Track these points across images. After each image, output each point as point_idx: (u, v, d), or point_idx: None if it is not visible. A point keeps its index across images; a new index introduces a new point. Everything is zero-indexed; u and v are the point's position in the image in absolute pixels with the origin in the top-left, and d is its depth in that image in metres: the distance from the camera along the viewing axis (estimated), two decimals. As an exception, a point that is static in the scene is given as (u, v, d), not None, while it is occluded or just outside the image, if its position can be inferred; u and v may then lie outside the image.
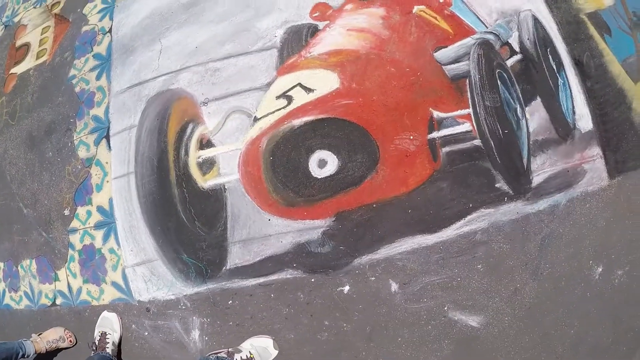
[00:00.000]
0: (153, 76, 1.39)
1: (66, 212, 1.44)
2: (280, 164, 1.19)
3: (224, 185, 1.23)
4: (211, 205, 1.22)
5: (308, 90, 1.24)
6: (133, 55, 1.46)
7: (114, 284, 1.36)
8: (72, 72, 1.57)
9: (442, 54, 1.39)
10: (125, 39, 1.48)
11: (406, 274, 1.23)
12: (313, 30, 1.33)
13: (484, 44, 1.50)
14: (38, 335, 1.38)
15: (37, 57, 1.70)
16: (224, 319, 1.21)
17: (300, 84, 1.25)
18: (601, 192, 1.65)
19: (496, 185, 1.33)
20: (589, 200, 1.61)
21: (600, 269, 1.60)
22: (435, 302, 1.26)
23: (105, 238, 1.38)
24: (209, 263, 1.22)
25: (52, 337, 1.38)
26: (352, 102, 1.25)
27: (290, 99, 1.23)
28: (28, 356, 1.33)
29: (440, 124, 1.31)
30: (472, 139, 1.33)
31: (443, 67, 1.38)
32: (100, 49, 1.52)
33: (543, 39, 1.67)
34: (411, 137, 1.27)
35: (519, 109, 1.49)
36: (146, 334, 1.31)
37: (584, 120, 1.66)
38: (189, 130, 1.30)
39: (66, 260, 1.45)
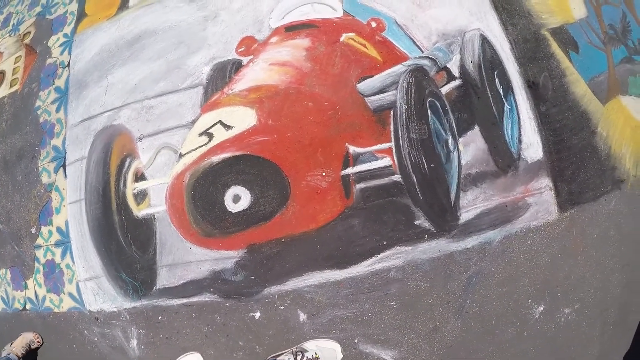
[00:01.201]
0: (100, 111, 1.50)
1: (33, 230, 1.63)
2: (200, 198, 1.25)
3: (154, 215, 1.33)
4: (144, 232, 1.33)
5: (227, 127, 1.28)
6: (86, 90, 1.56)
7: (70, 295, 1.53)
8: (38, 102, 1.73)
9: (365, 85, 1.34)
10: (79, 74, 1.59)
11: (314, 306, 1.23)
12: (237, 66, 1.33)
13: (417, 71, 1.43)
14: (10, 345, 1.55)
15: (11, 86, 1.89)
16: (156, 331, 1.34)
17: (220, 122, 1.29)
18: (548, 226, 1.54)
19: (415, 223, 1.27)
20: (531, 236, 1.51)
21: (542, 308, 1.49)
22: (345, 335, 1.26)
23: (63, 255, 1.55)
24: (143, 282, 1.34)
25: (23, 343, 1.57)
26: (267, 139, 1.27)
27: (211, 136, 1.28)
28: None
29: (356, 159, 1.28)
30: (391, 175, 1.28)
31: (366, 98, 1.37)
32: (60, 82, 1.64)
33: (490, 61, 1.56)
34: (323, 174, 1.26)
35: (450, 141, 1.41)
36: (95, 339, 1.47)
37: (533, 149, 1.54)
38: (126, 164, 1.41)
39: (33, 272, 1.65)
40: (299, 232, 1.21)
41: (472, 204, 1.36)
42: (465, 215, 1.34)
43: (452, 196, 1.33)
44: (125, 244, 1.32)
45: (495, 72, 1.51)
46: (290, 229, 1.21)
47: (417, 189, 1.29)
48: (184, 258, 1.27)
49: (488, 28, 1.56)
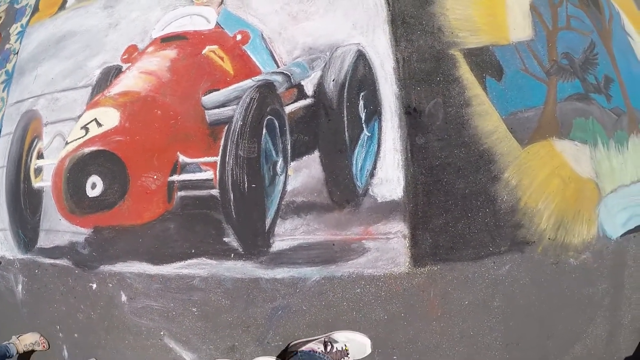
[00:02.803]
0: (27, 97, 1.81)
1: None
2: (72, 180, 1.45)
3: (44, 188, 1.62)
4: (36, 200, 1.62)
5: (99, 124, 1.50)
6: (23, 77, 1.88)
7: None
8: (-4, 82, 2.17)
9: (209, 98, 1.31)
10: (23, 62, 1.92)
11: (132, 291, 1.32)
12: (118, 71, 1.48)
13: (264, 87, 1.32)
14: (17, 338, 1.61)
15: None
16: (33, 281, 1.63)
17: (95, 119, 1.51)
18: (390, 279, 1.22)
19: (224, 239, 1.24)
20: (362, 285, 1.23)
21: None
22: (154, 325, 1.32)
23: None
24: (30, 240, 1.65)
25: (29, 340, 1.61)
26: (122, 139, 1.43)
27: (87, 131, 1.53)
28: (11, 357, 1.58)
29: (183, 168, 1.31)
30: (211, 188, 1.26)
31: (206, 112, 1.37)
32: (9, 66, 1.98)
33: (360, 81, 1.29)
34: (155, 177, 1.34)
35: (280, 163, 1.28)
36: (-1, 278, 1.84)
37: (389, 186, 1.23)
38: (34, 143, 1.70)
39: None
40: (127, 224, 1.37)
41: (289, 234, 1.25)
42: (279, 244, 1.25)
43: (268, 221, 1.25)
44: (23, 207, 1.67)
45: (363, 94, 1.30)
46: (122, 220, 1.38)
47: (232, 207, 1.27)
48: (55, 227, 1.54)
49: (372, 44, 1.33)
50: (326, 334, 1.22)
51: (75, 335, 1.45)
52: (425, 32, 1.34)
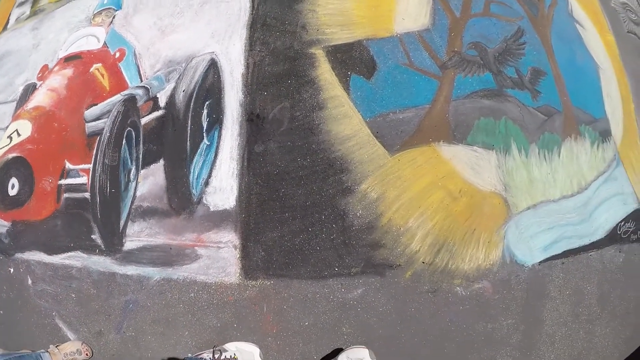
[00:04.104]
0: None
1: None
2: (1, 181, 1.88)
3: None
4: None
5: (19, 134, 1.83)
6: None
7: None
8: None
9: (89, 112, 1.56)
10: None
11: (35, 276, 1.68)
12: (34, 88, 1.83)
13: (128, 101, 1.47)
14: (56, 347, 1.50)
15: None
16: None
17: (16, 130, 1.86)
18: (220, 287, 1.28)
19: (92, 236, 1.49)
20: (196, 289, 1.33)
21: (198, 366, 1.29)
22: (48, 306, 1.64)
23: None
24: None
25: (69, 349, 1.49)
26: (32, 148, 1.74)
27: (11, 140, 1.87)
28: None
29: (68, 173, 1.56)
30: (85, 192, 1.51)
31: (86, 124, 1.54)
32: None
33: (207, 90, 1.33)
34: (50, 180, 1.61)
35: (133, 171, 1.40)
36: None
37: (223, 195, 1.25)
38: None
39: None
40: (32, 220, 1.68)
41: (136, 236, 1.40)
42: (129, 244, 1.41)
43: (122, 223, 1.42)
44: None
45: (208, 102, 1.36)
46: (29, 216, 1.69)
47: (98, 209, 1.47)
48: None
49: (226, 51, 1.38)
50: (217, 346, 1.31)
51: (1, 312, 1.78)
52: (285, 33, 1.35)
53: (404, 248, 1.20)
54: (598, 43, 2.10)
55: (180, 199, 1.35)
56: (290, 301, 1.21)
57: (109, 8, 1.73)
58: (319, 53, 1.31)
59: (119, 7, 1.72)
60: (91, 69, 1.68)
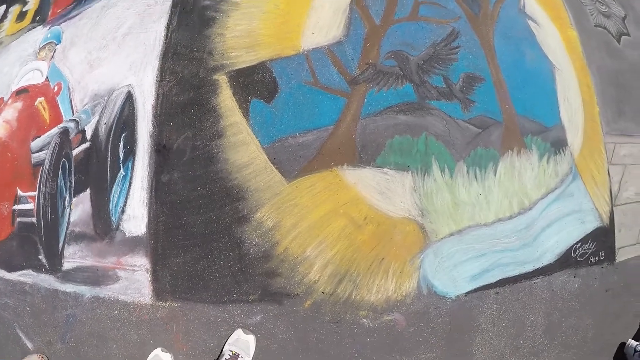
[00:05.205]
0: None
1: None
2: None
3: None
4: None
5: None
6: None
7: None
8: None
9: (34, 144, 1.76)
10: None
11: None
12: None
13: (62, 134, 1.64)
14: None
15: None
16: None
17: None
18: (138, 307, 1.45)
19: (39, 256, 1.74)
20: (119, 307, 1.54)
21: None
22: (10, 317, 1.92)
23: None
24: None
25: None
26: None
27: None
28: None
29: (20, 200, 1.76)
30: (32, 216, 1.70)
31: (32, 155, 1.71)
32: None
33: (124, 122, 1.44)
34: (6, 205, 1.83)
35: (67, 199, 1.56)
36: None
37: (135, 222, 1.38)
38: None
39: None
40: None
41: (72, 257, 1.59)
42: (67, 265, 1.62)
43: (60, 245, 1.60)
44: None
45: (124, 134, 1.48)
46: None
47: (42, 232, 1.67)
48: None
49: (140, 83, 1.49)
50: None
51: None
52: (192, 60, 1.43)
53: (302, 277, 1.25)
54: (556, 40, 1.97)
55: (103, 225, 1.54)
56: (196, 323, 1.34)
57: (51, 42, 1.92)
58: (221, 79, 1.38)
59: (59, 41, 1.89)
60: (35, 103, 1.88)
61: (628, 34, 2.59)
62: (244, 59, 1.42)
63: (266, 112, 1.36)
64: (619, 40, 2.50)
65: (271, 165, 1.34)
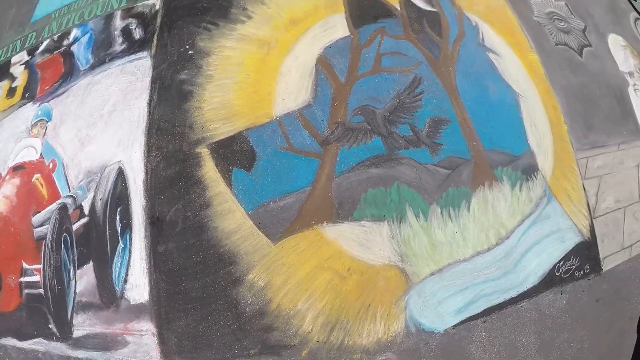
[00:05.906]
0: None
1: None
2: None
3: None
4: None
5: None
6: None
7: None
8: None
9: (35, 219, 1.90)
10: None
11: (11, 358, 2.07)
12: None
13: (61, 210, 1.77)
14: None
15: None
16: None
17: None
18: None
19: (49, 325, 1.85)
20: None
21: None
22: None
23: None
24: None
25: None
26: None
27: None
28: None
29: (25, 272, 1.88)
30: (40, 288, 1.82)
31: (34, 229, 1.84)
32: None
33: (119, 197, 1.57)
34: (13, 278, 1.96)
35: (72, 271, 1.68)
36: None
37: (138, 290, 1.51)
38: None
39: None
40: (3, 311, 2.05)
41: (81, 325, 1.73)
42: (77, 332, 1.75)
43: (69, 315, 1.73)
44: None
45: (119, 209, 1.62)
46: (1, 308, 2.06)
47: (50, 303, 1.80)
48: None
49: (129, 159, 1.63)
50: None
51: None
52: (175, 135, 1.57)
53: (297, 329, 1.39)
54: (517, 68, 2.10)
55: (108, 294, 1.68)
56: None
57: (42, 119, 2.05)
58: (204, 152, 1.52)
59: (50, 118, 2.03)
60: (33, 179, 2.02)
61: (590, 45, 2.73)
62: (222, 131, 1.57)
63: (247, 180, 1.50)
64: (581, 54, 2.64)
65: (257, 229, 1.47)
